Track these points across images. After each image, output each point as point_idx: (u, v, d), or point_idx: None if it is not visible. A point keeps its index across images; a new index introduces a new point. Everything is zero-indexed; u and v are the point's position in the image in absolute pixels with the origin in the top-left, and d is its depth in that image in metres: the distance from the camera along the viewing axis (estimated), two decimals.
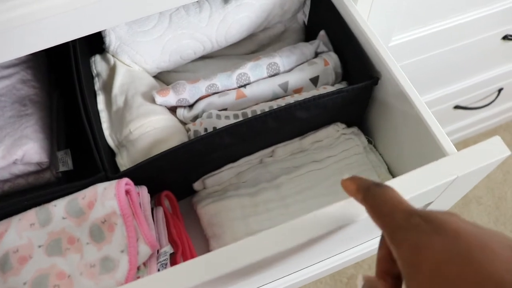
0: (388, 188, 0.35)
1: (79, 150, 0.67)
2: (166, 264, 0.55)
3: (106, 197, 0.53)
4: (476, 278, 0.26)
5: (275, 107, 0.65)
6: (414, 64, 0.96)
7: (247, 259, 0.42)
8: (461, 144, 1.56)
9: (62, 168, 0.65)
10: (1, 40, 0.46)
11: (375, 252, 0.38)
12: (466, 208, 1.50)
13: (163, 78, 0.75)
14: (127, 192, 0.55)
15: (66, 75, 0.69)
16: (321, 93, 0.64)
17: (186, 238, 0.63)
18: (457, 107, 1.28)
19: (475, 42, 0.99)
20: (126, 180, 0.55)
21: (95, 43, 0.69)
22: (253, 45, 0.79)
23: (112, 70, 0.68)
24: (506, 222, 1.49)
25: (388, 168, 0.70)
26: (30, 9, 0.45)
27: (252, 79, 0.68)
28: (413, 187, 0.46)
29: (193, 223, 0.69)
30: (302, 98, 0.65)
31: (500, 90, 1.31)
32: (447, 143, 0.53)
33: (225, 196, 0.67)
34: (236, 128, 0.58)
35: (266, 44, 0.80)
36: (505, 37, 1.03)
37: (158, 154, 0.56)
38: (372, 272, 1.40)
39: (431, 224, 0.30)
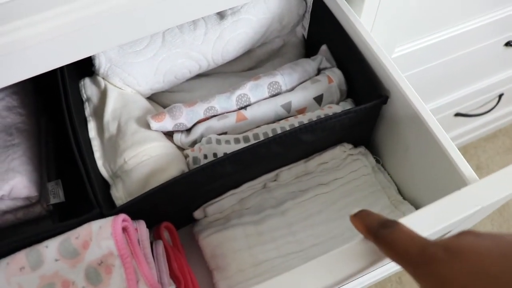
0: (396, 226, 0.35)
1: (71, 179, 0.63)
2: None
3: (101, 236, 0.49)
4: None
5: (278, 129, 0.61)
6: (416, 74, 0.94)
7: None
8: (461, 150, 1.53)
9: (53, 201, 0.61)
10: None
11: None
12: None
13: (157, 99, 0.71)
14: (124, 229, 0.51)
15: (54, 99, 0.65)
16: (327, 113, 0.61)
17: (189, 271, 0.59)
18: (457, 114, 1.26)
19: (477, 50, 0.97)
20: (123, 216, 0.51)
21: (84, 65, 0.65)
22: (251, 61, 0.75)
23: (103, 94, 0.64)
24: (509, 228, 1.47)
25: (398, 189, 0.67)
26: (17, 36, 0.42)
27: (252, 100, 0.64)
28: (437, 220, 0.42)
29: (195, 253, 0.65)
30: (307, 119, 0.62)
31: (500, 96, 1.29)
32: (466, 168, 0.50)
33: (228, 225, 0.63)
34: (239, 156, 0.54)
35: (264, 59, 0.76)
36: (508, 44, 1.00)
37: (156, 187, 0.52)
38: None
39: (448, 251, 0.29)
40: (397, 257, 0.33)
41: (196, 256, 0.64)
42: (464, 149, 1.55)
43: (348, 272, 0.39)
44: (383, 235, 0.35)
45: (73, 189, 0.63)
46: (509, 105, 1.44)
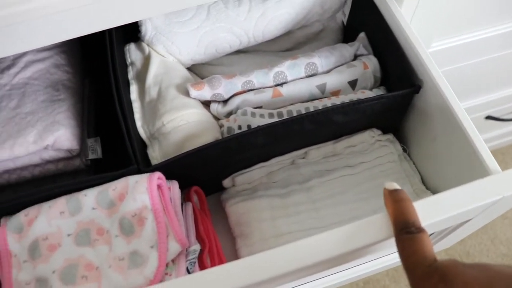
0: (417, 236, 0.39)
1: (107, 139, 0.67)
2: (194, 263, 0.54)
3: (137, 190, 0.52)
4: None
5: (311, 108, 0.63)
6: (450, 71, 0.94)
7: (279, 269, 0.41)
8: None
9: (91, 156, 0.65)
10: (38, 26, 0.46)
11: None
12: (491, 222, 1.47)
13: (197, 70, 0.74)
14: (159, 187, 0.54)
15: (98, 62, 0.68)
16: (360, 97, 0.63)
17: (214, 235, 0.62)
18: (489, 117, 1.25)
19: None
20: (158, 174, 0.54)
21: (130, 31, 0.68)
22: (289, 42, 0.77)
23: (147, 60, 0.67)
24: None
25: (422, 179, 0.68)
26: None
27: (289, 78, 0.66)
28: (456, 205, 0.44)
29: (220, 220, 0.68)
30: (340, 102, 0.63)
31: None
32: (491, 161, 0.51)
33: (254, 195, 0.65)
34: (272, 128, 0.57)
35: (302, 42, 0.78)
36: None
37: (192, 150, 0.55)
38: (390, 276, 1.38)
39: (443, 280, 0.35)
40: (406, 266, 0.38)
41: (221, 223, 0.68)
42: (492, 154, 1.54)
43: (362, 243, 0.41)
44: (403, 239, 0.39)
45: (108, 148, 0.67)
46: None
